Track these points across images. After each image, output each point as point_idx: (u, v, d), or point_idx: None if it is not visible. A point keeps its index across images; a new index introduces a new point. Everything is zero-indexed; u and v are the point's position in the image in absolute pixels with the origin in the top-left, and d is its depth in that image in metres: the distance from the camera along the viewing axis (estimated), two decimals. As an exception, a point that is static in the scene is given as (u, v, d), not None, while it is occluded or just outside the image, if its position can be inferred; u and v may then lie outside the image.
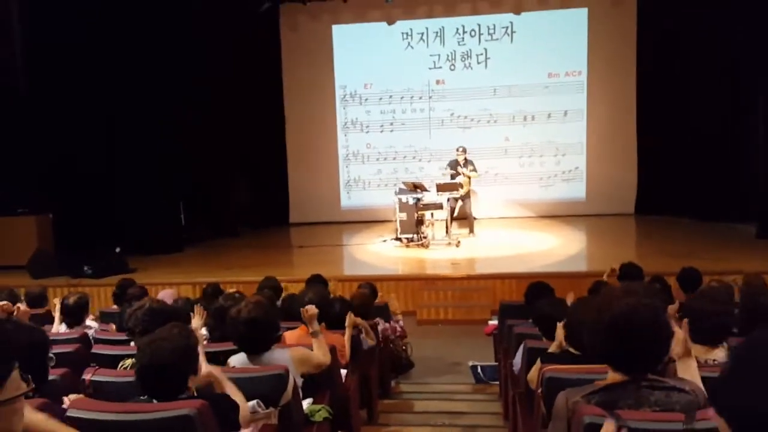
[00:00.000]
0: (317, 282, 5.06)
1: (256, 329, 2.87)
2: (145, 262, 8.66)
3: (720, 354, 2.60)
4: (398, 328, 5.09)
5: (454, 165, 9.40)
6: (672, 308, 3.28)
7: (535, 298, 4.04)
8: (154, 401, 2.14)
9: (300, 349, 3.07)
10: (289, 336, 3.60)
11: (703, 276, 4.77)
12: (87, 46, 8.85)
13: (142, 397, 2.17)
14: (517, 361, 3.44)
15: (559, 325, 2.96)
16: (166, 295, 5.21)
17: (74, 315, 4.07)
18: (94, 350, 3.33)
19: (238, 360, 2.97)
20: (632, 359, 1.80)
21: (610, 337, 1.79)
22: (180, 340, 2.16)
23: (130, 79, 9.21)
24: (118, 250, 8.46)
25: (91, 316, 4.42)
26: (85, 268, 7.98)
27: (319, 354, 3.16)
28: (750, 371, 1.04)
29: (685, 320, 2.20)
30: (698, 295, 3.11)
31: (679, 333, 2.04)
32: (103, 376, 2.71)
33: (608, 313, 1.80)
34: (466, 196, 9.32)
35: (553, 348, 2.99)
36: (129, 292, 4.59)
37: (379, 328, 4.70)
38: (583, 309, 2.70)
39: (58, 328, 4.10)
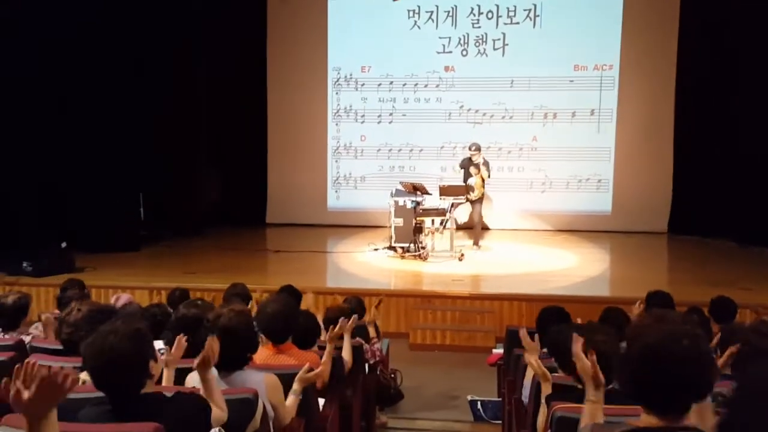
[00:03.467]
0: (288, 292, 5.07)
1: (233, 341, 2.89)
2: (96, 261, 8.61)
3: None
4: (377, 353, 5.01)
5: (467, 164, 9.41)
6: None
7: (547, 325, 4.04)
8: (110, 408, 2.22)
9: (275, 378, 3.06)
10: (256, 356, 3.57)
11: (738, 308, 4.79)
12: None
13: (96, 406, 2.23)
14: (525, 396, 3.44)
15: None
16: (122, 300, 5.16)
17: (11, 317, 4.03)
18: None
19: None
20: (669, 396, 1.77)
21: (642, 370, 1.78)
22: (127, 327, 2.30)
23: (85, 61, 9.19)
24: (64, 245, 8.42)
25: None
26: (25, 265, 7.92)
27: (288, 406, 3.15)
28: (755, 409, 1.02)
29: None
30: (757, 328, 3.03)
31: None
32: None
33: (639, 342, 1.79)
34: (477, 201, 9.32)
35: None
36: (67, 294, 4.54)
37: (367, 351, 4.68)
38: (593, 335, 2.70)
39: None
